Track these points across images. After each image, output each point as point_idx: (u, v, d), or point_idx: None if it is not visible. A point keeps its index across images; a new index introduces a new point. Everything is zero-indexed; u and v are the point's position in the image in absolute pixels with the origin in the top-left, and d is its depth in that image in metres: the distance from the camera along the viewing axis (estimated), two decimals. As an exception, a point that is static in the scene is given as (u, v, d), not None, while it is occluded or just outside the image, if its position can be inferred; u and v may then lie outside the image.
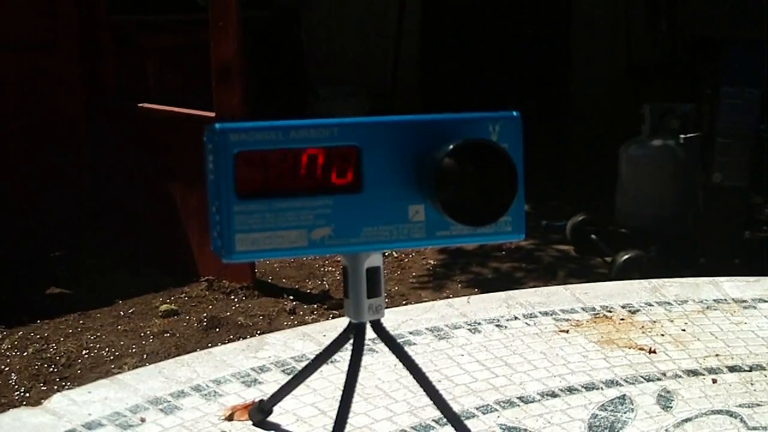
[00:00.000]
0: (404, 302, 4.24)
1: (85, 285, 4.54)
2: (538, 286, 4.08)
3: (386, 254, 4.99)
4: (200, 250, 4.58)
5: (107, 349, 3.85)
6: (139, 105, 4.80)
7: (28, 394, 3.47)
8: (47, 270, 4.73)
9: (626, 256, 4.54)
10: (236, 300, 4.35)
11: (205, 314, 4.17)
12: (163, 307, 4.24)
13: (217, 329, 4.03)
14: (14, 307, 4.26)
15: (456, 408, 1.32)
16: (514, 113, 1.17)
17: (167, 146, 4.70)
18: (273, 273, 4.74)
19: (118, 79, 5.06)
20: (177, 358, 1.55)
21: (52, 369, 3.68)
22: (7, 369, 3.68)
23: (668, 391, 1.49)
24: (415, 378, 1.22)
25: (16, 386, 3.54)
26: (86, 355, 3.80)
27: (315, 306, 4.30)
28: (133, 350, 3.84)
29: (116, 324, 4.10)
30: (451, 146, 1.10)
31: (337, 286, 4.56)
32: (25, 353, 3.81)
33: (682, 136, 4.75)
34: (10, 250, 4.72)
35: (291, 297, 4.39)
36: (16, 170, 4.92)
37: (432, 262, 5.00)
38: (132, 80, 5.45)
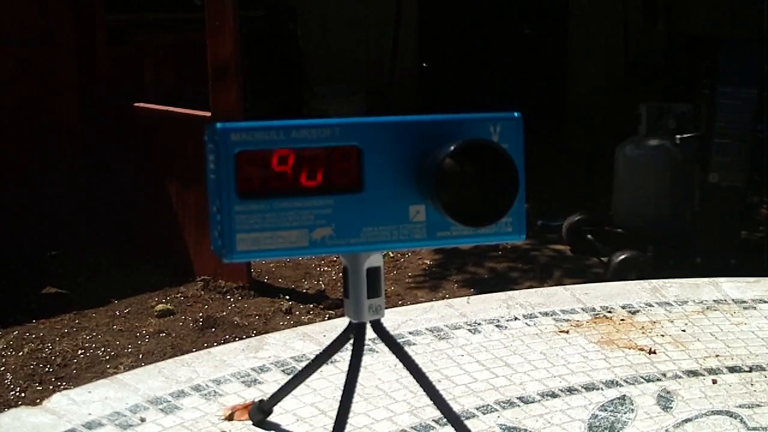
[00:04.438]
0: (400, 302, 4.24)
1: (80, 284, 4.54)
2: (534, 286, 4.10)
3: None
4: (196, 249, 4.58)
5: (103, 349, 3.84)
6: (135, 104, 4.79)
7: (23, 394, 3.46)
8: (43, 269, 4.73)
9: (622, 256, 4.54)
10: (232, 300, 4.35)
11: (200, 314, 4.17)
12: (159, 306, 4.24)
13: (213, 329, 4.02)
14: (10, 306, 4.26)
15: (456, 408, 1.32)
16: (516, 114, 1.17)
17: (163, 145, 4.69)
18: (269, 273, 4.74)
19: (113, 77, 5.06)
20: (177, 357, 1.55)
21: (47, 369, 3.67)
22: (2, 369, 3.67)
23: (668, 392, 1.49)
24: (415, 378, 1.22)
25: (12, 386, 3.53)
26: (82, 355, 3.79)
27: (311, 306, 4.29)
28: (129, 350, 3.84)
29: (112, 324, 4.10)
30: (452, 147, 1.10)
31: (333, 286, 4.56)
32: (21, 353, 3.81)
33: (678, 136, 4.75)
34: (5, 249, 4.72)
35: (287, 297, 4.39)
36: (10, 169, 4.91)
37: (428, 261, 5.00)
38: (128, 79, 5.44)
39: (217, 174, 1.09)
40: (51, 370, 3.67)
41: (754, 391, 1.50)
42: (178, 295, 4.41)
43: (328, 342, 1.26)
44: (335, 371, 1.48)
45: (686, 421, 1.41)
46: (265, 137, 1.09)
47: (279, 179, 1.10)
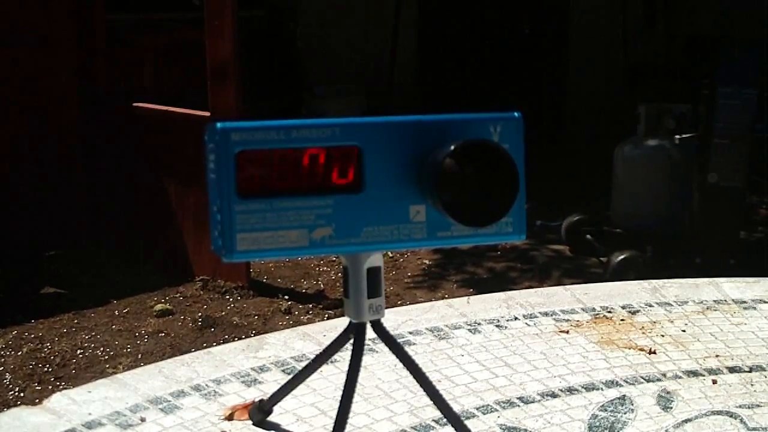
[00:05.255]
0: (399, 302, 4.24)
1: (79, 284, 4.54)
2: (533, 286, 4.10)
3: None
4: (195, 249, 4.58)
5: (102, 349, 3.84)
6: (135, 104, 4.79)
7: (22, 394, 3.47)
8: (41, 269, 4.73)
9: (621, 257, 4.55)
10: (231, 300, 4.35)
11: (199, 314, 4.17)
12: (158, 306, 4.24)
13: (212, 329, 4.03)
14: (8, 306, 4.26)
15: (456, 408, 1.32)
16: (516, 114, 1.17)
17: (162, 145, 4.69)
18: (268, 273, 4.74)
19: (113, 77, 5.06)
20: (177, 357, 1.55)
21: (46, 368, 3.68)
22: (1, 369, 3.67)
23: (668, 392, 1.49)
24: (415, 378, 1.22)
25: (11, 386, 3.53)
26: (81, 355, 3.80)
27: (310, 305, 4.30)
28: (128, 350, 3.84)
29: (111, 324, 4.10)
30: (453, 147, 1.10)
31: (332, 286, 4.57)
32: (20, 353, 3.81)
33: (677, 136, 4.76)
34: (4, 249, 4.72)
35: (286, 297, 4.39)
36: (9, 169, 4.91)
37: (427, 261, 5.00)
38: (127, 78, 5.45)
39: (218, 174, 1.08)
40: (50, 369, 3.67)
41: (754, 391, 1.50)
42: (177, 295, 4.41)
43: (328, 342, 1.26)
44: (335, 371, 1.48)
45: (686, 421, 1.41)
46: (265, 137, 1.09)
47: (279, 179, 1.10)
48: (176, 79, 5.68)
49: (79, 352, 3.83)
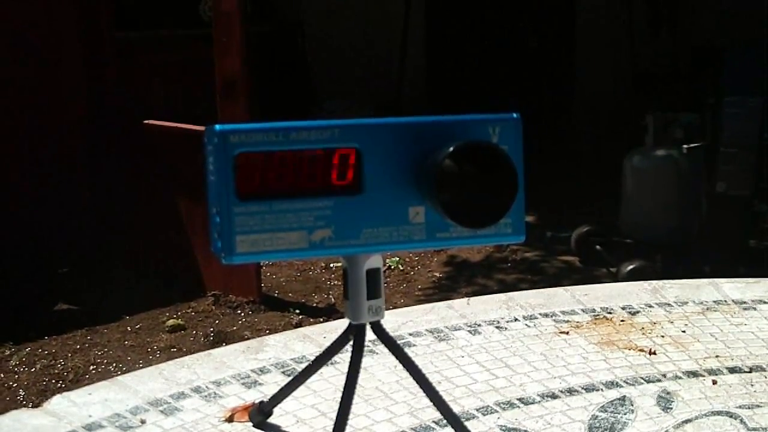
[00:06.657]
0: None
1: (92, 301, 4.56)
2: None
3: (392, 268, 4.99)
4: (206, 264, 4.59)
5: (115, 365, 3.85)
6: (144, 121, 4.81)
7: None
8: (54, 286, 4.74)
9: (631, 267, 4.55)
10: (242, 314, 4.36)
11: (211, 329, 4.18)
12: (170, 322, 4.25)
13: (224, 344, 4.03)
14: (22, 323, 4.27)
15: (456, 409, 1.33)
16: (514, 115, 1.18)
17: (172, 162, 4.71)
18: (279, 287, 4.75)
19: (122, 93, 5.08)
20: (177, 359, 1.55)
21: (60, 384, 3.69)
22: (15, 385, 3.68)
23: (668, 393, 1.50)
24: (415, 379, 1.22)
25: (24, 402, 3.54)
26: (94, 371, 3.81)
27: (321, 319, 4.30)
28: (141, 365, 3.84)
29: (123, 339, 4.11)
30: (452, 148, 1.10)
31: (343, 300, 4.57)
32: (33, 369, 3.82)
33: (685, 146, 4.75)
34: (16, 267, 4.73)
35: (297, 311, 4.40)
36: (20, 187, 4.93)
37: (437, 274, 5.00)
38: (137, 95, 5.46)
39: (217, 176, 1.09)
40: (63, 385, 3.68)
41: (754, 391, 1.51)
42: (189, 311, 4.42)
43: (328, 343, 1.26)
44: (335, 373, 1.49)
45: (686, 421, 1.41)
46: (264, 139, 1.10)
47: (278, 181, 1.10)
48: (185, 94, 5.70)
49: (92, 368, 3.84)
